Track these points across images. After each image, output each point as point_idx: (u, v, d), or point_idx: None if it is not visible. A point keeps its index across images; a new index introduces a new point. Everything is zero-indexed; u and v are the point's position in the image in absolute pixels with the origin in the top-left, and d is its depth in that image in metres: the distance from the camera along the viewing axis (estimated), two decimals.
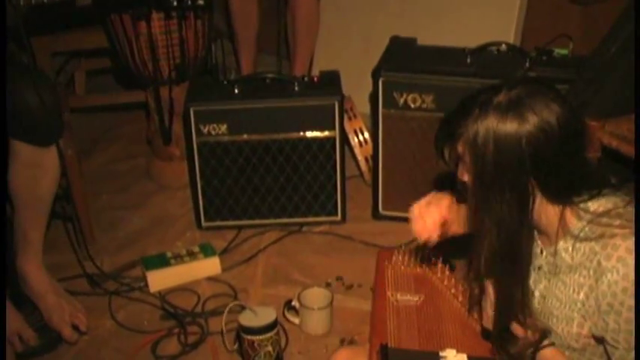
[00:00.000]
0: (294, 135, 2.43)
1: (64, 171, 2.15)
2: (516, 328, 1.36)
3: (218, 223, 2.55)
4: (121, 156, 3.05)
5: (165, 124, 2.75)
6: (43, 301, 2.04)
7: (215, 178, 2.49)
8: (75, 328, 2.06)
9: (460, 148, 1.30)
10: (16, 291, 2.05)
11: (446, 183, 1.45)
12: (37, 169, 2.02)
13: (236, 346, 2.01)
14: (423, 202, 1.57)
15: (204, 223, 2.55)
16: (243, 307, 1.99)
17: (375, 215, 2.55)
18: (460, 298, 1.67)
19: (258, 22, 3.05)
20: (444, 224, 1.53)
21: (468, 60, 2.33)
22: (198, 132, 2.43)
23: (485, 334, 1.47)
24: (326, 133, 2.43)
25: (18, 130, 1.94)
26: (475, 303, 1.45)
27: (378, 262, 1.89)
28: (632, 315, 1.22)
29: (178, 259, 2.36)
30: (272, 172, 2.49)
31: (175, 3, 2.03)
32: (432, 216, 1.54)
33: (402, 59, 2.41)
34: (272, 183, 2.48)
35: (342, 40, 3.06)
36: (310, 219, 2.53)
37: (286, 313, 2.13)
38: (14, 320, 1.97)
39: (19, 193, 2.04)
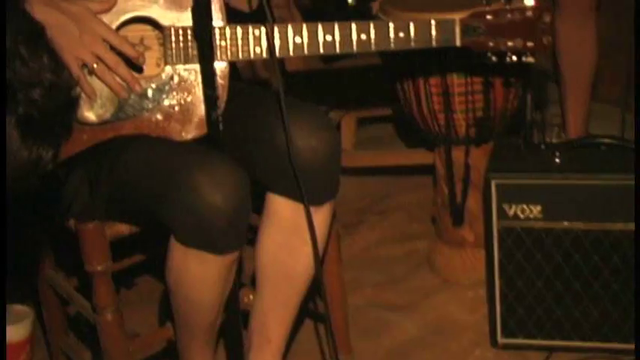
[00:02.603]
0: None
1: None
2: None
3: (520, 340, 2.52)
4: (394, 236, 3.10)
5: (456, 199, 2.75)
6: None
7: (520, 277, 2.47)
8: None
9: None
10: None
11: None
12: (297, 237, 2.09)
13: None
14: None
15: (500, 339, 2.53)
16: None
17: None
18: None
19: (595, 58, 2.96)
20: None
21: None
22: (501, 213, 2.45)
23: None
24: None
25: (280, 180, 2.04)
26: None
27: None
28: None
29: None
30: (602, 277, 2.43)
31: (494, 59, 2.05)
32: None
33: None
34: (601, 291, 2.44)
35: None
36: None
37: None
38: None
39: (267, 267, 2.13)
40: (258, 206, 2.09)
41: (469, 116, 2.65)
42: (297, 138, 1.98)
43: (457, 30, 1.99)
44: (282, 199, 2.07)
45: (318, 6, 2.06)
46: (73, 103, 1.42)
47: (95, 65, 1.89)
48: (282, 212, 2.09)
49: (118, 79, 1.92)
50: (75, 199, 2.03)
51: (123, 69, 1.92)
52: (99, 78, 1.92)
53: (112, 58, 1.91)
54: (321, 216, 2.08)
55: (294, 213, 2.06)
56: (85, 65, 1.89)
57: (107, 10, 1.93)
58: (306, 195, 1.94)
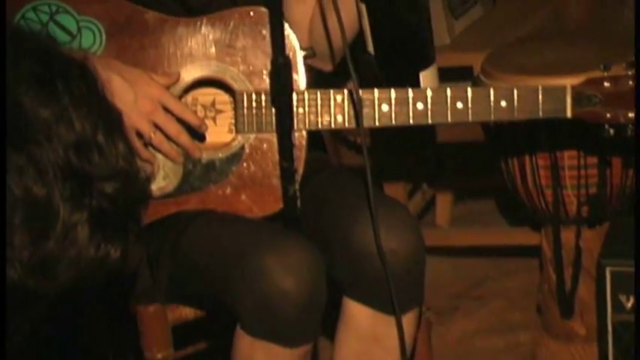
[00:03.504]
0: None
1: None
2: None
3: None
4: (493, 325, 3.07)
5: (565, 286, 2.71)
6: None
7: None
8: None
9: None
10: None
11: None
12: (378, 347, 2.06)
13: None
14: None
15: None
16: None
17: None
18: None
19: None
20: None
21: None
22: (617, 304, 2.43)
23: None
24: None
25: (356, 284, 2.01)
26: None
27: None
28: None
29: None
30: None
31: (612, 132, 2.00)
32: None
33: None
34: None
35: None
36: None
37: None
38: None
39: None
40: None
41: (581, 193, 2.60)
42: (389, 236, 1.96)
43: (568, 99, 1.95)
44: (359, 305, 2.03)
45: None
46: (146, 196, 1.43)
47: (152, 135, 1.90)
48: (361, 320, 2.05)
49: (179, 148, 1.93)
50: (134, 279, 2.03)
51: (185, 139, 1.93)
52: (156, 149, 1.92)
53: (172, 127, 1.92)
54: (404, 326, 2.04)
55: (374, 321, 2.03)
56: (141, 135, 1.90)
57: (170, 85, 1.94)
58: (386, 303, 1.94)
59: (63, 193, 1.18)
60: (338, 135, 2.85)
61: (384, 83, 1.98)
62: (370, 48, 2.00)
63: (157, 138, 1.91)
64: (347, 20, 2.02)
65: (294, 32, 1.94)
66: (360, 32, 2.03)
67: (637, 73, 1.96)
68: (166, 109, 1.92)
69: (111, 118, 1.28)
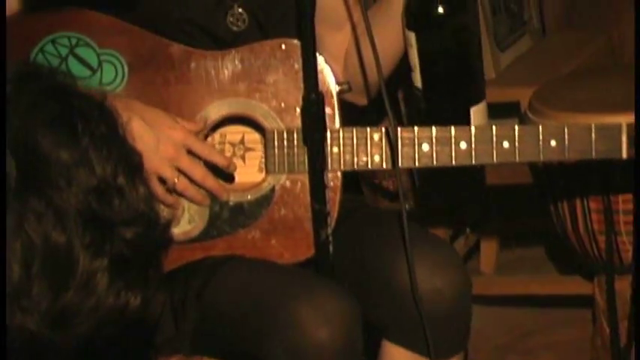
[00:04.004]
0: None
1: None
2: None
3: None
4: None
5: (619, 340, 2.69)
6: None
7: None
8: None
9: None
10: None
11: None
12: None
13: None
14: None
15: None
16: None
17: None
18: None
19: None
20: None
21: None
22: None
23: None
24: None
25: (397, 327, 2.01)
26: None
27: None
28: None
29: None
30: None
31: None
32: None
33: None
34: None
35: None
36: None
37: None
38: None
39: None
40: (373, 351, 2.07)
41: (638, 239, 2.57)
42: (419, 278, 1.94)
43: (624, 139, 1.92)
44: (400, 349, 2.03)
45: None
46: (168, 241, 1.43)
47: (176, 180, 1.89)
48: None
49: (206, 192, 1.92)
50: (157, 329, 2.02)
51: (212, 183, 1.92)
52: (181, 195, 1.92)
53: (197, 172, 1.91)
54: None
55: None
56: (164, 181, 1.90)
57: (195, 132, 1.93)
58: (430, 347, 1.92)
59: (83, 240, 1.18)
60: (375, 183, 2.85)
61: (432, 120, 1.96)
62: (418, 82, 1.98)
63: (180, 183, 1.90)
64: (390, 50, 2.02)
65: (329, 65, 1.94)
66: (406, 63, 2.02)
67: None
68: (191, 152, 1.91)
69: (131, 161, 1.28)
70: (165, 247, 1.48)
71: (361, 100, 2.15)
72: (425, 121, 1.96)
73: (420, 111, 2.01)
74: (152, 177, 1.87)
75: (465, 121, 1.96)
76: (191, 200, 1.93)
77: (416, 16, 1.96)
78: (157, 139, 1.88)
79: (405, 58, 2.03)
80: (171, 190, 1.91)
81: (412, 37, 1.95)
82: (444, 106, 2.00)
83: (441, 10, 1.95)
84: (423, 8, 1.95)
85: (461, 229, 3.28)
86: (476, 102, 2.00)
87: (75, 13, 1.99)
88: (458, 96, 2.01)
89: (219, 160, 1.93)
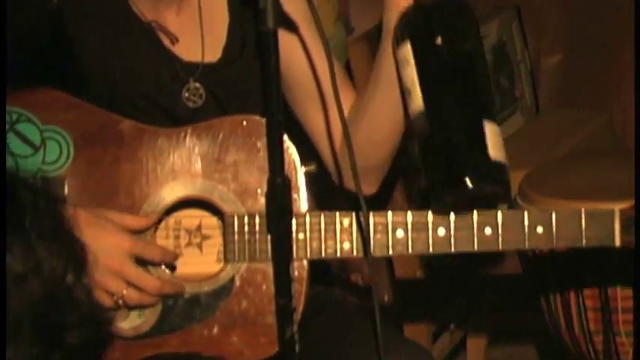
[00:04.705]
0: None
1: None
2: None
3: None
4: None
5: None
6: None
7: None
8: None
9: None
10: None
11: None
12: None
13: None
14: None
15: None
16: None
17: None
18: None
19: None
20: None
21: None
22: None
23: None
24: None
25: None
26: None
27: None
28: None
29: None
30: None
31: None
32: None
33: None
34: None
35: None
36: None
37: None
38: None
39: None
40: None
41: (636, 340, 2.55)
42: None
43: (617, 225, 1.92)
44: None
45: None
46: (106, 342, 1.43)
47: (124, 292, 1.88)
48: None
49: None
50: None
51: (166, 290, 1.92)
52: (133, 307, 1.91)
53: (147, 283, 1.90)
54: None
55: None
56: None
57: (141, 229, 1.93)
58: None
59: (32, 351, 1.20)
60: (342, 278, 2.84)
61: (439, 143, 1.87)
62: (417, 103, 1.83)
63: (129, 295, 1.89)
64: (393, 121, 2.01)
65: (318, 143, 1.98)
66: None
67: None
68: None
69: (79, 256, 1.28)
70: (106, 346, 1.47)
71: (367, 189, 2.12)
72: (431, 149, 1.87)
73: (422, 142, 1.89)
74: (101, 294, 1.86)
75: (479, 137, 1.83)
76: (145, 306, 1.92)
77: (413, 27, 1.86)
78: (98, 249, 1.85)
79: None
80: (119, 305, 1.90)
81: (407, 51, 1.88)
82: (451, 123, 1.87)
83: (440, 18, 1.86)
84: (421, 18, 1.85)
85: (445, 324, 3.27)
86: (488, 117, 1.87)
87: (18, 88, 1.99)
88: (467, 107, 1.87)
89: (167, 259, 1.93)
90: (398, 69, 1.88)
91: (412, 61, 1.84)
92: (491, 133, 1.84)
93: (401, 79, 1.88)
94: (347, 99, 2.05)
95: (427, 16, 1.84)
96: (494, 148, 1.81)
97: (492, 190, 1.82)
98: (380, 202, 2.20)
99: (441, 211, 1.88)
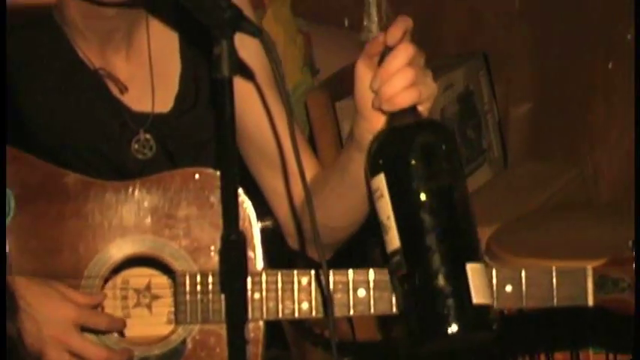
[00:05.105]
0: None
1: None
2: None
3: None
4: None
5: None
6: None
7: None
8: None
9: None
10: None
11: None
12: None
13: None
14: None
15: None
16: None
17: None
18: None
19: None
20: None
21: None
22: None
23: None
24: None
25: None
26: None
27: None
28: None
29: None
30: None
31: None
32: None
33: None
34: None
35: None
36: None
37: None
38: None
39: None
40: None
41: None
42: None
43: (589, 284, 1.93)
44: None
45: None
46: None
47: None
48: None
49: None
50: None
51: (113, 358, 1.91)
52: None
53: (91, 353, 1.89)
54: None
55: None
56: None
57: (89, 307, 1.92)
58: None
59: None
60: (302, 327, 2.82)
61: (419, 289, 1.85)
62: (393, 241, 1.82)
63: None
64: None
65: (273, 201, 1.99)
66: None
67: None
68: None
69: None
70: None
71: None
72: (409, 290, 1.82)
73: (400, 282, 1.86)
74: None
75: (461, 281, 1.78)
76: None
77: (387, 158, 1.81)
78: (40, 320, 1.84)
79: None
80: None
81: (382, 183, 1.85)
82: (432, 266, 1.78)
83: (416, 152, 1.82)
84: (395, 146, 1.80)
85: None
86: (471, 258, 1.81)
87: None
88: (449, 251, 1.80)
89: (116, 327, 1.92)
90: (371, 197, 1.83)
91: (387, 195, 1.80)
92: (475, 274, 1.78)
93: (375, 211, 1.83)
94: (307, 168, 1.99)
95: (402, 145, 1.80)
96: (479, 292, 1.77)
97: (476, 336, 1.81)
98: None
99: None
